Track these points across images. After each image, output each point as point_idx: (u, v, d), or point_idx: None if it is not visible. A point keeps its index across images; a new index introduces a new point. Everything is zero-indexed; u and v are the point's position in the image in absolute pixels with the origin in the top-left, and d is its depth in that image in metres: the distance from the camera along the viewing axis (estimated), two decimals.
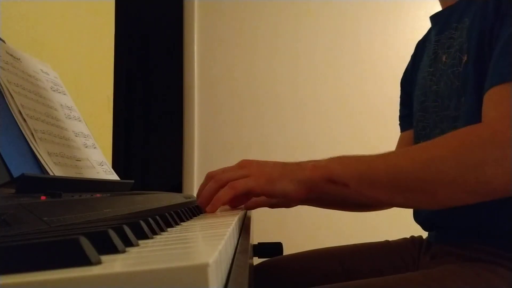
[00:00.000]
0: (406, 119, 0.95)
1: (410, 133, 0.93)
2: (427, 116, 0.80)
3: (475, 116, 0.62)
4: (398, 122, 0.99)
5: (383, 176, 0.59)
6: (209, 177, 0.68)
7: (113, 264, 0.23)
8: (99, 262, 0.23)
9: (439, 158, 0.56)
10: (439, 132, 0.75)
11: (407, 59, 0.97)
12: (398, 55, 2.25)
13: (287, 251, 0.89)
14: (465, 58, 0.69)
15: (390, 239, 0.93)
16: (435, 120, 0.76)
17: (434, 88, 0.77)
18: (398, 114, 0.99)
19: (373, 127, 2.23)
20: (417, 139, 0.83)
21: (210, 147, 2.24)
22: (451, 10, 0.79)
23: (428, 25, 0.88)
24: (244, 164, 0.66)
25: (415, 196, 0.59)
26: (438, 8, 0.84)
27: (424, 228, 0.83)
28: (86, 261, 0.22)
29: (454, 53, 0.73)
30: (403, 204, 0.67)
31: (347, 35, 2.32)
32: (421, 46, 0.92)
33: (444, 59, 0.76)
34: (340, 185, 0.61)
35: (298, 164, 0.65)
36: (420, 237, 0.90)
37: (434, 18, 0.85)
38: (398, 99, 0.98)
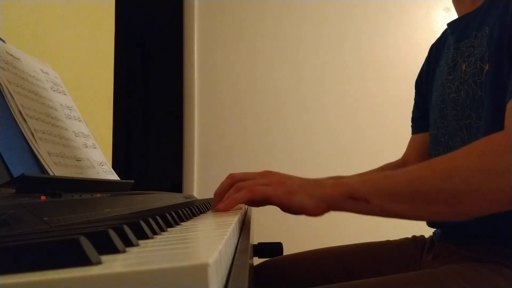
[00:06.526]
0: (419, 121, 0.94)
1: (422, 136, 0.93)
2: (446, 123, 0.79)
3: (495, 127, 0.62)
4: (410, 124, 0.98)
5: (404, 190, 0.58)
6: (230, 177, 0.68)
7: (113, 264, 0.23)
8: (99, 262, 0.23)
9: (462, 168, 0.55)
10: (459, 141, 0.74)
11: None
12: (399, 55, 2.26)
13: (287, 251, 0.89)
14: (486, 67, 0.69)
15: (392, 238, 0.93)
16: (455, 128, 0.76)
17: (453, 97, 0.77)
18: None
19: (376, 127, 2.23)
20: (437, 146, 0.82)
21: (210, 147, 2.24)
22: (469, 18, 0.78)
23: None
24: (266, 174, 0.67)
25: (439, 208, 0.57)
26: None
27: (430, 225, 0.83)
28: (86, 261, 0.22)
29: (474, 62, 0.72)
30: (426, 217, 0.65)
31: (348, 35, 2.31)
32: (435, 49, 0.92)
33: (464, 67, 0.76)
34: (361, 201, 0.60)
35: (317, 181, 0.65)
36: (422, 236, 0.89)
37: (452, 25, 0.84)
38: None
